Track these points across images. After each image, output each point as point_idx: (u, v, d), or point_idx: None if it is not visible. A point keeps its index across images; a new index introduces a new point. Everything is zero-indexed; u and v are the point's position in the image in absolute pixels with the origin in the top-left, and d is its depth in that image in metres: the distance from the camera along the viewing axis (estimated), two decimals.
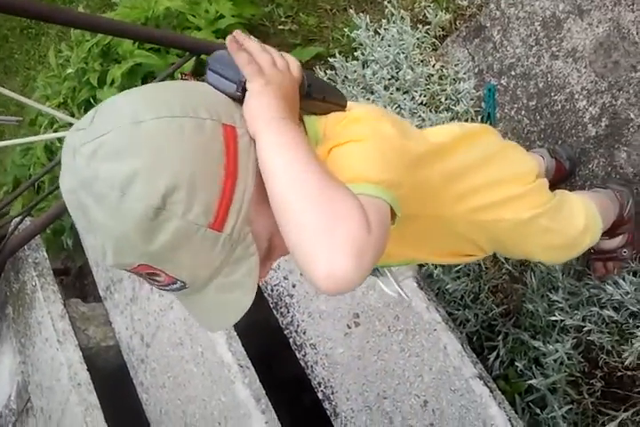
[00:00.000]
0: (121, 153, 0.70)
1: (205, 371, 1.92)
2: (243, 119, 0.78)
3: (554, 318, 1.67)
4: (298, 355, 1.98)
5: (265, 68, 0.80)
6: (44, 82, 2.70)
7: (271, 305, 2.06)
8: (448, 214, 1.09)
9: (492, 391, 1.58)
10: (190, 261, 0.74)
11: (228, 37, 0.82)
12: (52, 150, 2.65)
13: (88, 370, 2.12)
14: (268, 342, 2.07)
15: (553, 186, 1.37)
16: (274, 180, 0.73)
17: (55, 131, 2.48)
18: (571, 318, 1.66)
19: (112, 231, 0.72)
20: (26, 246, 2.29)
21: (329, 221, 0.67)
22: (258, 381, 1.84)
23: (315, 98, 0.89)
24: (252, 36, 0.86)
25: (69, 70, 2.49)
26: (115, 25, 1.88)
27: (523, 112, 2.01)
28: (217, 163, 0.73)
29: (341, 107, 0.94)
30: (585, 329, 1.65)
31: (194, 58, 1.94)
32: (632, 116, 1.79)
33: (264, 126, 0.76)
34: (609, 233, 1.67)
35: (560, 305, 1.69)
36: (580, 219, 1.37)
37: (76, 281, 2.98)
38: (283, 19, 2.98)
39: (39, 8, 1.59)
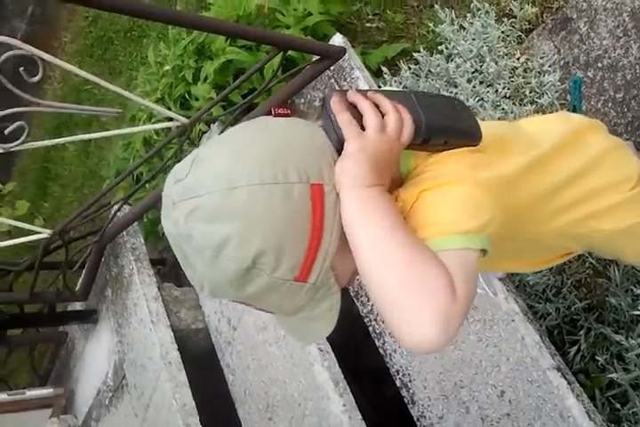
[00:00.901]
0: (216, 218, 0.74)
1: (287, 354, 1.94)
2: (333, 172, 0.79)
3: (637, 313, 1.60)
4: (377, 343, 1.97)
5: (370, 131, 0.78)
6: (143, 79, 2.79)
7: (352, 294, 2.06)
8: (544, 232, 1.05)
9: (569, 383, 1.52)
10: (277, 303, 0.80)
11: (334, 97, 0.79)
12: (149, 143, 2.74)
13: (178, 350, 2.18)
14: (350, 330, 2.08)
15: None
16: (359, 246, 0.75)
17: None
18: None
19: (208, 277, 0.78)
20: (124, 233, 2.38)
21: (415, 296, 0.69)
22: (337, 365, 1.85)
23: (434, 144, 0.84)
24: (371, 90, 0.83)
25: (167, 67, 2.57)
26: (209, 22, 1.93)
27: (610, 104, 1.93)
28: (304, 224, 0.76)
29: (470, 142, 0.86)
30: None
31: (281, 53, 1.96)
32: None
33: (347, 192, 0.76)
34: None
35: None
36: None
37: (172, 270, 3.08)
38: (370, 16, 2.97)
39: (142, 7, 1.66)
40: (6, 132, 1.77)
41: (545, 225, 1.04)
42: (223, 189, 0.74)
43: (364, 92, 0.81)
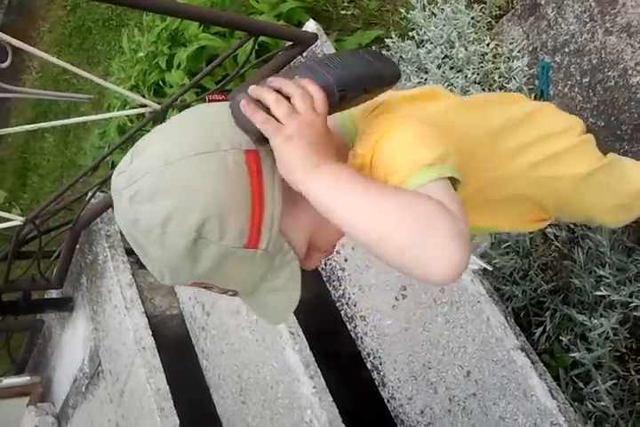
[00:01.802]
0: (155, 196, 0.76)
1: (259, 338, 1.96)
2: None
3: (600, 293, 1.62)
4: (349, 326, 1.99)
5: (283, 120, 0.77)
6: (118, 66, 2.79)
7: (324, 278, 2.08)
8: (508, 174, 1.08)
9: (533, 363, 1.55)
10: (235, 275, 0.81)
11: (243, 101, 0.79)
12: (124, 131, 2.73)
13: (153, 336, 2.19)
14: (323, 315, 2.10)
15: None
16: (346, 220, 0.73)
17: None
18: (617, 293, 1.61)
19: (164, 261, 0.79)
20: (98, 220, 2.38)
21: (424, 234, 0.70)
22: (307, 348, 1.87)
23: (354, 97, 0.83)
24: (272, 77, 0.82)
25: (140, 54, 2.57)
26: (181, 8, 1.93)
27: (576, 89, 1.95)
28: (243, 189, 0.77)
29: (389, 83, 0.86)
30: (632, 305, 1.61)
31: (253, 39, 1.97)
32: None
33: (304, 182, 0.76)
34: None
35: (607, 281, 1.65)
36: (636, 179, 1.32)
37: None
38: (345, 4, 2.98)
39: None
40: None
41: (504, 167, 1.07)
42: (159, 167, 0.76)
43: (264, 83, 0.81)
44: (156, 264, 0.80)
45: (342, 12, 2.99)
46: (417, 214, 0.71)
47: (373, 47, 2.62)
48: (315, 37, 2.17)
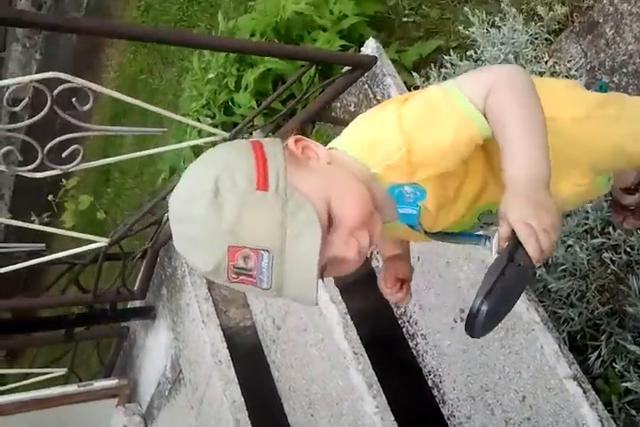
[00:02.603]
0: (183, 180, 0.96)
1: (325, 356, 2.09)
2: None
3: None
4: (410, 344, 2.10)
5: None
6: (189, 84, 2.93)
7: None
8: None
9: (585, 392, 1.62)
10: (258, 222, 0.89)
11: None
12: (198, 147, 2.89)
13: (228, 348, 2.36)
14: (385, 330, 2.21)
15: None
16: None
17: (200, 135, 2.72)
18: None
19: (198, 234, 0.90)
20: None
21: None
22: (371, 368, 1.98)
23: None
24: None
25: (210, 75, 2.70)
26: (243, 44, 2.05)
27: None
28: (246, 150, 0.94)
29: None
30: None
31: (314, 66, 2.07)
32: None
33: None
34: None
35: None
36: None
37: None
38: (407, 11, 3.02)
39: (165, 34, 1.79)
40: (63, 155, 1.96)
41: None
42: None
43: None
44: (197, 245, 0.90)
45: (404, 20, 3.03)
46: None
47: (435, 58, 2.67)
48: (374, 61, 2.25)
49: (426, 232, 1.08)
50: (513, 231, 0.89)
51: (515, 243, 0.88)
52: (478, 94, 0.97)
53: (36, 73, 1.90)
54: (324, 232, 0.91)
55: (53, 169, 1.92)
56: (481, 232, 1.15)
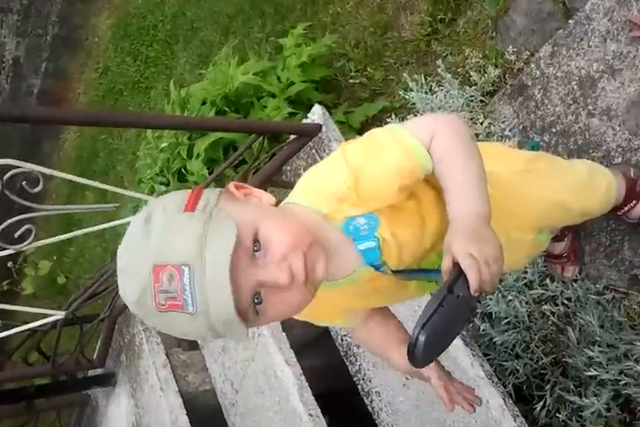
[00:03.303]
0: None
1: (282, 418, 2.13)
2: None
3: (590, 374, 1.76)
4: (366, 400, 2.16)
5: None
6: (143, 152, 3.03)
7: (342, 354, 2.25)
8: None
9: None
10: (180, 239, 0.89)
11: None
12: None
13: (187, 414, 2.39)
14: (340, 387, 2.27)
15: None
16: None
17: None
18: (607, 372, 1.75)
19: (130, 257, 0.93)
20: None
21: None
22: None
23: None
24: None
25: (163, 144, 2.80)
26: (193, 121, 2.16)
27: None
28: (183, 192, 0.97)
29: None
30: (621, 383, 1.74)
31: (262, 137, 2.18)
32: None
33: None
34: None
35: (598, 360, 1.78)
36: (580, 162, 1.64)
37: None
38: (353, 73, 3.17)
39: (113, 117, 1.88)
40: (16, 235, 2.03)
41: None
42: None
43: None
44: (127, 266, 0.93)
45: (351, 81, 3.18)
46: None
47: (380, 119, 2.81)
48: (318, 128, 2.37)
49: (394, 272, 1.08)
50: (455, 264, 0.95)
51: (456, 275, 0.94)
52: (423, 134, 1.06)
53: None
54: (246, 250, 0.92)
55: (6, 249, 1.99)
56: None
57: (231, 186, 1.02)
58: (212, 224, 0.90)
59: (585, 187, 1.57)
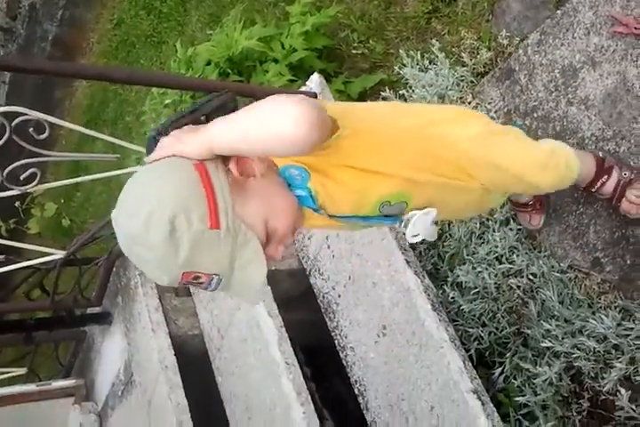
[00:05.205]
0: (137, 207, 0.99)
1: (261, 365, 2.19)
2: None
3: (545, 345, 1.80)
4: (341, 355, 2.21)
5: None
6: (149, 107, 3.01)
7: (322, 310, 2.30)
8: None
9: (483, 404, 1.75)
10: (211, 256, 0.99)
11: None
12: None
13: (176, 355, 2.45)
14: (319, 341, 2.32)
15: None
16: (242, 137, 1.00)
17: None
18: (561, 345, 1.79)
19: (154, 260, 0.97)
20: None
21: (271, 113, 1.00)
22: (301, 377, 2.09)
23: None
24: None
25: (167, 100, 2.78)
26: (185, 80, 2.13)
27: None
28: (198, 186, 0.99)
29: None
30: (574, 356, 1.78)
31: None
32: (632, 163, 1.85)
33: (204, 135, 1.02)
34: None
35: (554, 333, 1.82)
36: (546, 142, 1.67)
37: None
38: (355, 44, 3.12)
39: (121, 73, 1.87)
40: (21, 177, 2.04)
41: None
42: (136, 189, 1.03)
43: None
44: (151, 267, 0.99)
45: (353, 52, 3.14)
46: (265, 108, 0.99)
47: (379, 91, 2.79)
48: (314, 97, 2.36)
49: (332, 216, 1.18)
50: None
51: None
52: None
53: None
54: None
55: (12, 189, 2.00)
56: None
57: (232, 166, 1.05)
58: (239, 240, 1.00)
59: (542, 164, 1.50)
